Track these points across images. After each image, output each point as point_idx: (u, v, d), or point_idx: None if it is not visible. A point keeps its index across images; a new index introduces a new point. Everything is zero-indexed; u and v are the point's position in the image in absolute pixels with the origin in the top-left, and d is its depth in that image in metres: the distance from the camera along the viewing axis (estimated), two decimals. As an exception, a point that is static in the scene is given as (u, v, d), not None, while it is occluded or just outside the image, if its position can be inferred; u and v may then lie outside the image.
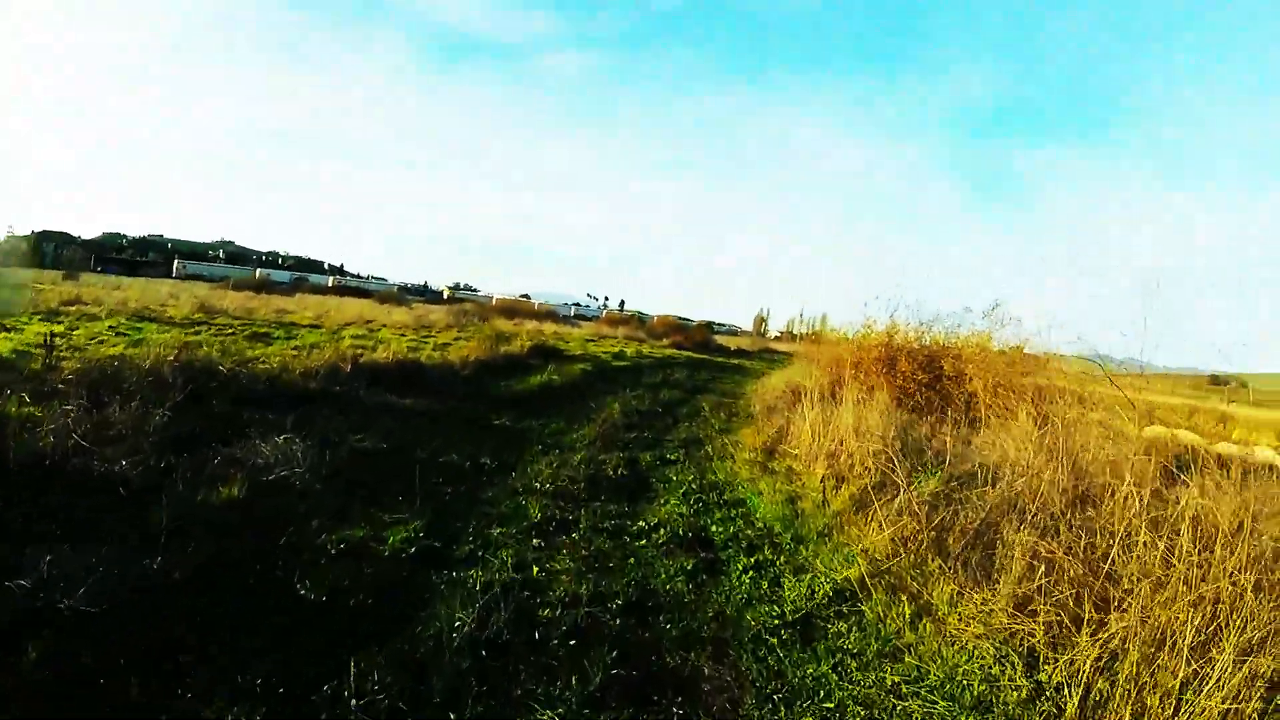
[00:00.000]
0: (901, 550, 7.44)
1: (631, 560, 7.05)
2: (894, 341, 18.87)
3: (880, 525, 7.94)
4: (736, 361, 40.15)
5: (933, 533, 7.49)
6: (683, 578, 6.73)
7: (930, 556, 7.11)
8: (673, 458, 11.87)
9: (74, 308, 24.74)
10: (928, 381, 17.08)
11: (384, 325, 30.50)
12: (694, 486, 9.98)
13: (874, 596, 6.54)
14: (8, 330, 17.12)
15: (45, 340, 12.29)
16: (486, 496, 8.62)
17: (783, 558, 7.48)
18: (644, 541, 7.62)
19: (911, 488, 8.24)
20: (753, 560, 7.32)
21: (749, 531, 8.21)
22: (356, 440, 10.01)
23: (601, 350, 29.54)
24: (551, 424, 13.47)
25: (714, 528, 8.24)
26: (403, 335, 26.06)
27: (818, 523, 8.47)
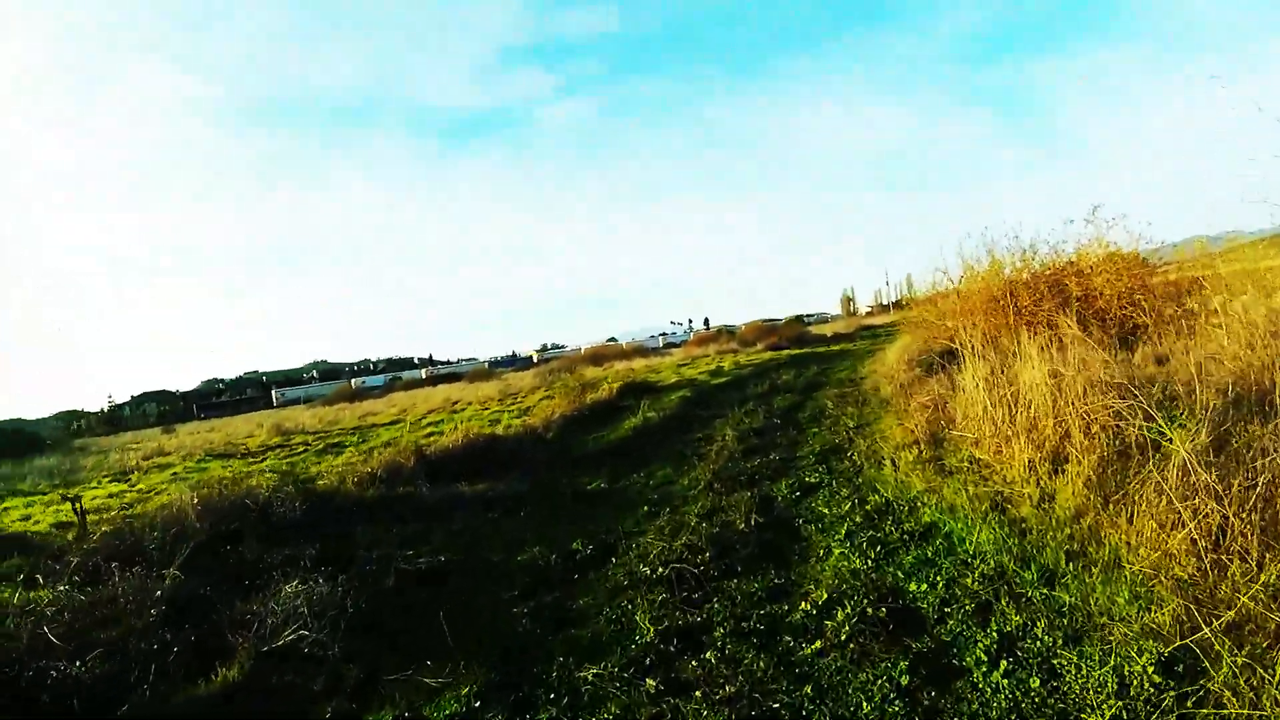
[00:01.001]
0: (1211, 552, 4.66)
1: (806, 687, 4.33)
2: (1005, 276, 16.52)
3: (1158, 519, 5.17)
4: (839, 347, 36.84)
5: (1256, 514, 4.68)
6: (897, 702, 4.04)
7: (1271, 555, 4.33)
8: (813, 480, 9.16)
9: (153, 459, 23.42)
10: (1056, 308, 14.30)
11: (469, 403, 28.50)
12: (857, 519, 7.24)
13: (1222, 664, 3.75)
14: (70, 499, 15.60)
15: (75, 509, 10.66)
16: (576, 608, 6.16)
17: (1040, 620, 4.65)
18: (816, 642, 4.88)
19: (1175, 444, 5.42)
20: (995, 636, 4.54)
21: (967, 579, 5.40)
22: (407, 559, 7.68)
23: (697, 372, 26.75)
24: (657, 472, 10.94)
25: (912, 585, 5.49)
26: (485, 409, 23.98)
27: (1057, 537, 5.69)
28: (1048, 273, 15.99)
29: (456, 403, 29.87)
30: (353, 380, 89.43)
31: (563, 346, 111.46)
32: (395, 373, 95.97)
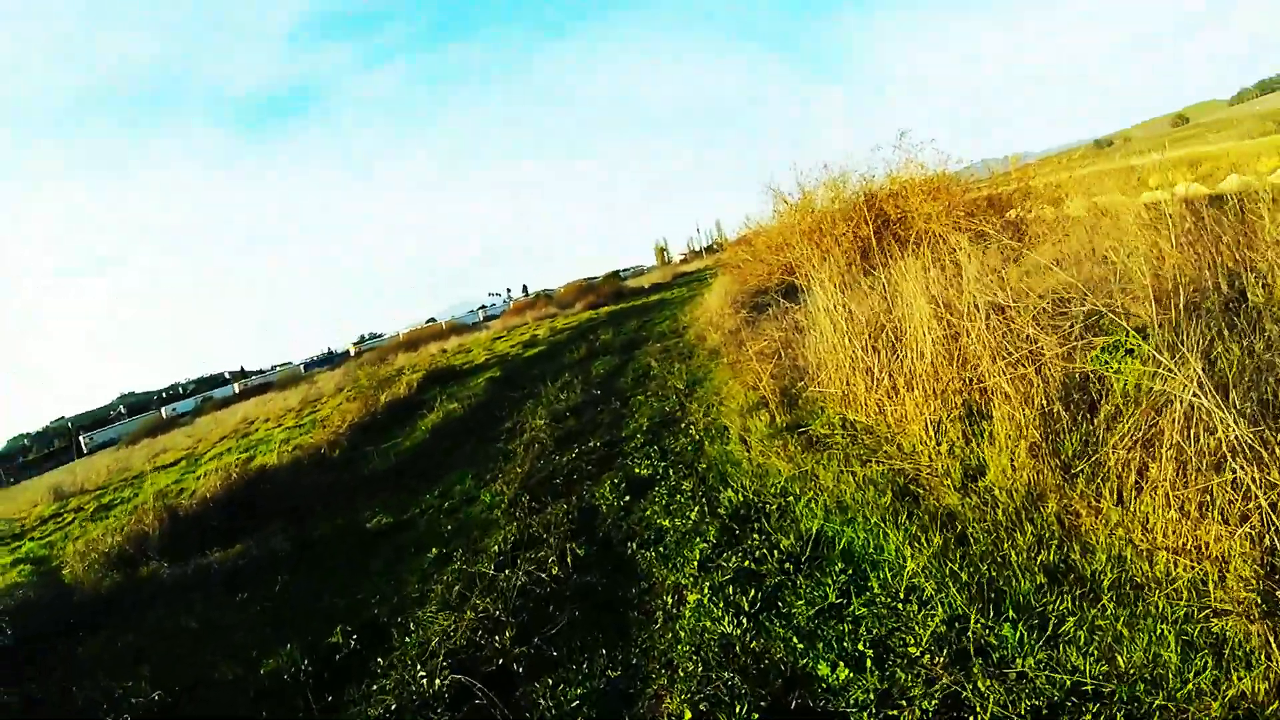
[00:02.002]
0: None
1: None
2: (818, 208, 15.85)
3: (1178, 504, 3.29)
4: (657, 297, 35.02)
5: None
6: None
7: None
8: (645, 472, 7.02)
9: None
10: (875, 234, 13.75)
11: (265, 421, 24.77)
12: (711, 535, 5.07)
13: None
14: None
15: None
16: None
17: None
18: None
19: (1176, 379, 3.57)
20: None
21: (909, 646, 3.28)
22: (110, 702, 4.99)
23: (510, 345, 24.02)
24: (455, 487, 8.51)
25: (823, 667, 3.35)
26: (280, 425, 20.60)
27: (1018, 543, 3.69)
28: (861, 200, 14.92)
29: (253, 422, 26.04)
30: (163, 409, 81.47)
31: (381, 335, 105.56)
32: (207, 392, 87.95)
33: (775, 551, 4.53)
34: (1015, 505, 3.94)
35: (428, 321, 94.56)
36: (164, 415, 69.95)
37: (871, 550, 4.15)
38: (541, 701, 3.77)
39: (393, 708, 4.12)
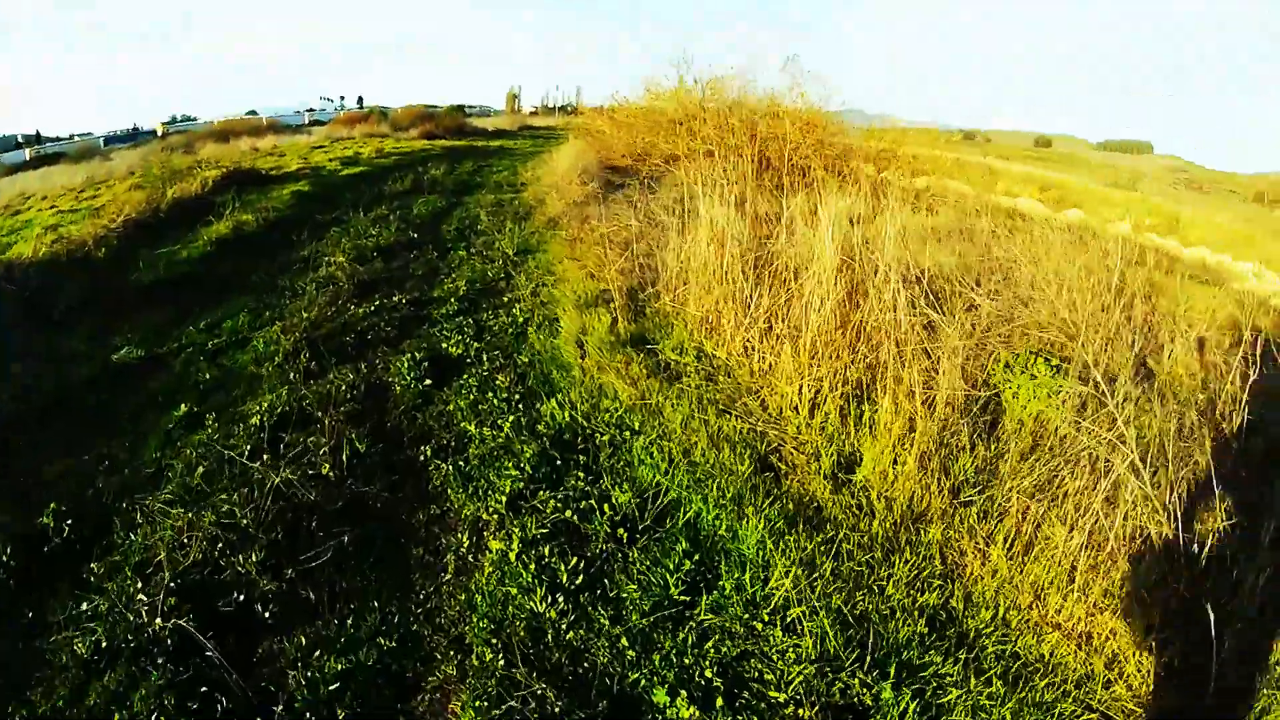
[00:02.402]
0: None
1: None
2: (694, 98, 15.59)
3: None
4: (499, 144, 32.71)
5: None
6: None
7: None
8: (455, 350, 6.02)
9: None
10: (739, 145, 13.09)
11: (43, 198, 21.18)
12: (527, 462, 4.12)
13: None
14: None
15: None
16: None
17: None
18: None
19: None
20: None
21: (770, 679, 2.59)
22: None
23: (329, 158, 21.45)
24: (226, 321, 7.13)
25: (660, 692, 2.59)
26: (53, 208, 17.55)
27: (902, 569, 3.05)
28: (741, 108, 14.65)
29: (28, 198, 22.26)
30: None
31: (194, 119, 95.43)
32: (-10, 151, 76.59)
33: (606, 506, 3.69)
34: (894, 519, 3.25)
35: (248, 113, 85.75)
36: None
37: (724, 533, 3.38)
38: (292, 673, 2.84)
39: (102, 645, 3.06)
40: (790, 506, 3.56)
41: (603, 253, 7.71)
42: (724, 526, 3.46)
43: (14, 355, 6.71)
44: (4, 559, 3.70)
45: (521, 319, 6.60)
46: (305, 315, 6.85)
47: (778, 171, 12.84)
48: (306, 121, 72.69)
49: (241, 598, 3.28)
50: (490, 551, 3.44)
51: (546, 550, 3.35)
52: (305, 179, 16.27)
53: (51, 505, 4.07)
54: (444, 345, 6.08)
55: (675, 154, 14.36)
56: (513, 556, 3.34)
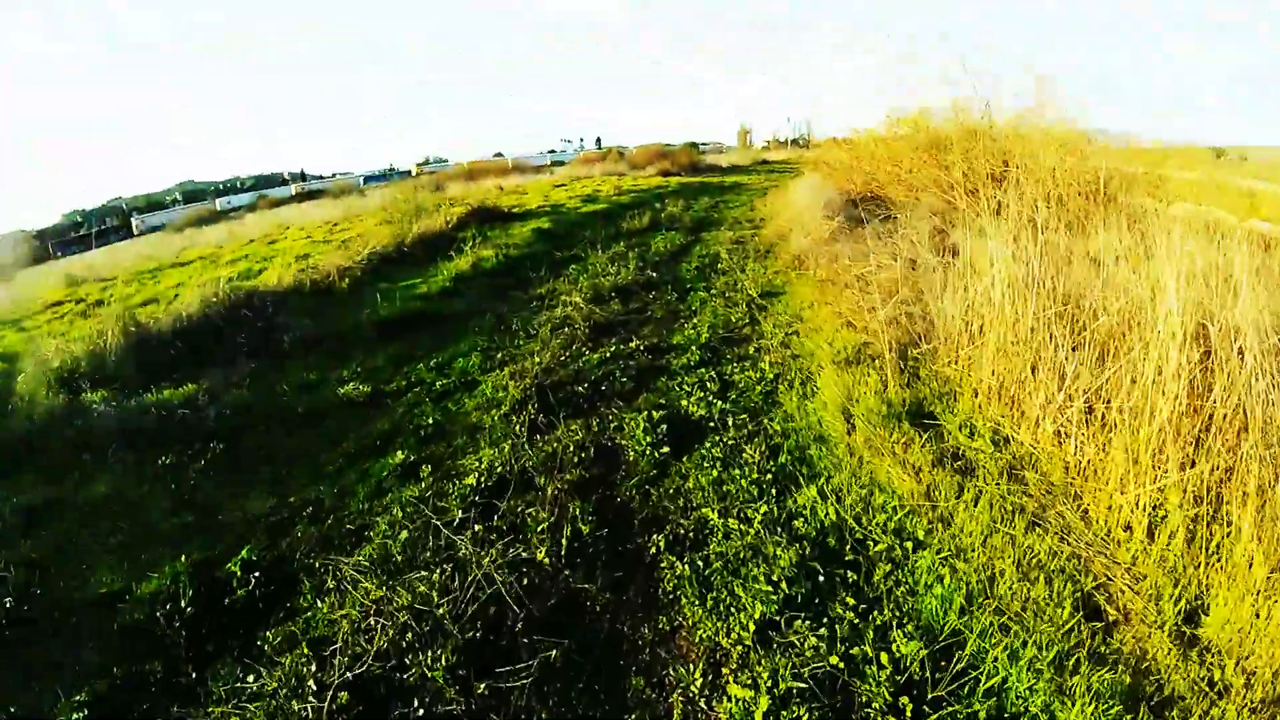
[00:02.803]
0: None
1: None
2: (933, 127, 13.72)
3: None
4: (734, 179, 32.36)
5: None
6: None
7: None
8: (697, 410, 5.21)
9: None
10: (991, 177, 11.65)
11: (301, 229, 22.92)
12: (781, 573, 3.19)
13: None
14: None
15: None
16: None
17: None
18: None
19: None
20: None
21: None
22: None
23: (569, 196, 21.72)
24: (457, 361, 6.81)
25: None
26: (309, 238, 18.77)
27: None
28: (986, 131, 12.82)
29: (287, 228, 24.29)
30: (217, 200, 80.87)
31: (446, 161, 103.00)
32: (264, 190, 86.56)
33: (884, 655, 2.68)
34: (1254, 701, 2.08)
35: (495, 155, 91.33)
36: (217, 207, 69.09)
37: (1039, 711, 2.31)
38: None
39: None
40: (1126, 678, 2.45)
41: (858, 297, 6.70)
42: (1038, 701, 2.39)
43: (237, 383, 6.68)
44: (181, 606, 3.35)
45: (771, 374, 5.72)
46: (537, 360, 6.34)
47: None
48: (549, 162, 76.44)
49: (421, 711, 2.63)
50: (730, 700, 2.55)
51: (805, 717, 2.42)
52: (545, 216, 16.35)
53: (243, 553, 3.70)
54: (684, 403, 5.30)
55: (923, 185, 13.16)
56: (759, 717, 2.43)
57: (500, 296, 9.14)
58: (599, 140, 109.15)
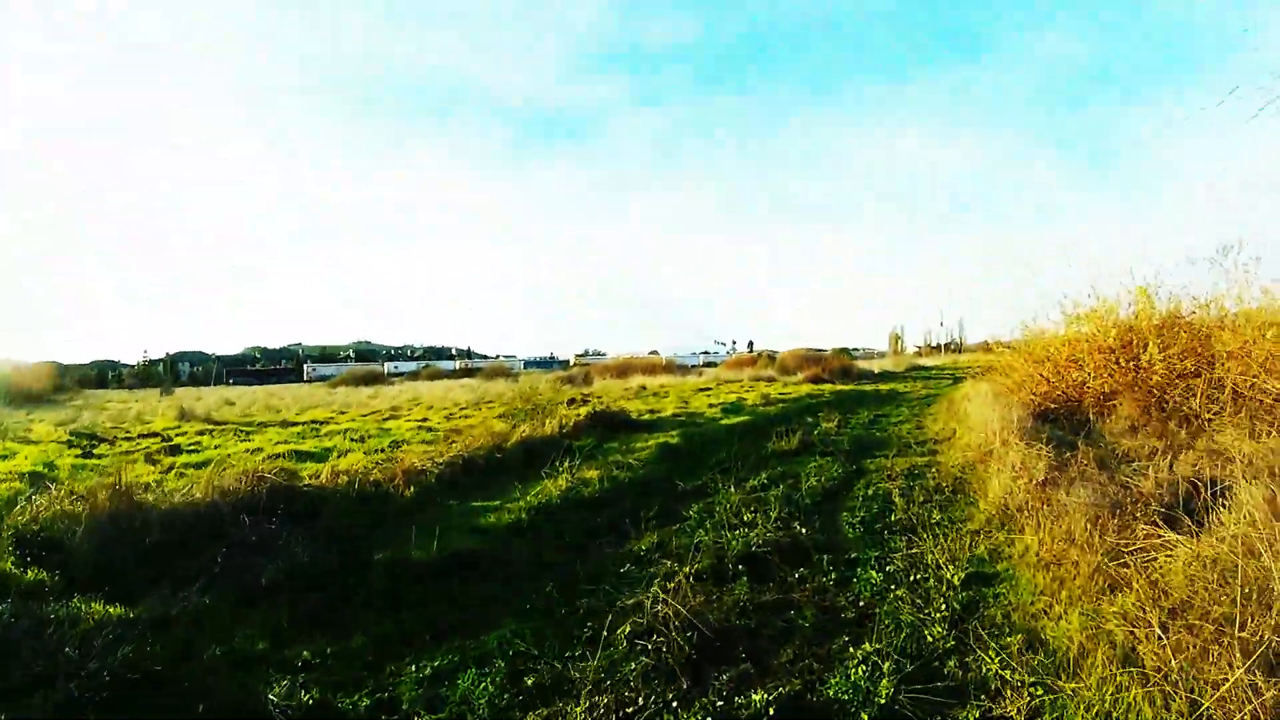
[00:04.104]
0: None
1: None
2: (1122, 319, 12.09)
3: None
4: (889, 387, 29.25)
5: None
6: None
7: None
8: None
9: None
10: (1190, 374, 10.38)
11: (429, 408, 21.55)
12: None
13: None
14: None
15: None
16: None
17: None
18: None
19: None
20: None
21: None
22: None
23: (709, 403, 19.33)
24: (456, 678, 4.08)
25: None
26: (421, 423, 17.10)
27: None
28: (1187, 321, 11.24)
29: (416, 404, 23.10)
30: (386, 364, 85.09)
31: (603, 354, 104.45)
32: (431, 360, 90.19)
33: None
34: None
35: (650, 353, 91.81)
36: (385, 370, 72.89)
37: None
38: None
39: None
40: None
41: (1142, 603, 3.72)
42: None
43: (176, 618, 4.39)
44: None
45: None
46: (605, 700, 3.59)
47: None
48: (701, 363, 75.50)
49: None
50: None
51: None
52: (678, 428, 13.86)
53: None
54: None
55: (1113, 388, 11.51)
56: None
57: (583, 548, 6.46)
58: (750, 344, 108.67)
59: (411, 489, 8.26)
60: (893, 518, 7.24)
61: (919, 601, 4.95)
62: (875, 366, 49.96)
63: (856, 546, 6.34)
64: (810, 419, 15.64)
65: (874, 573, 5.59)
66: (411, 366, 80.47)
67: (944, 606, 4.80)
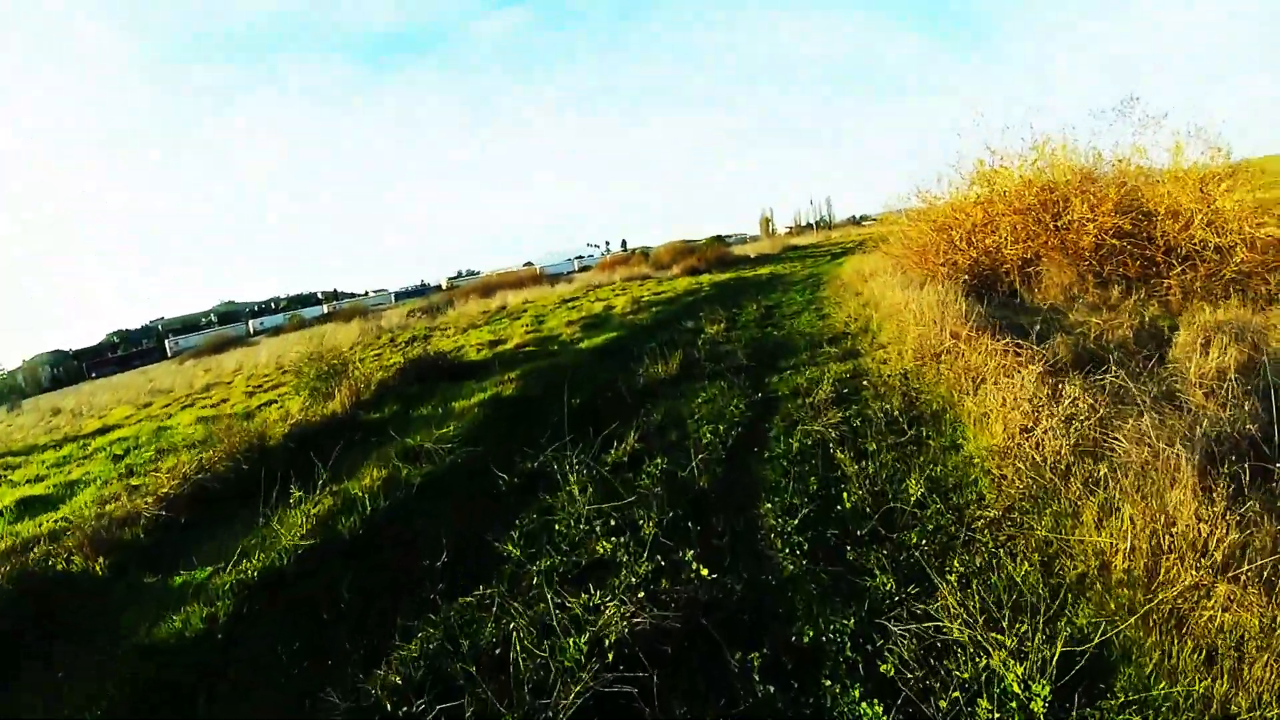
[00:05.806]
0: None
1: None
2: (1045, 177, 10.88)
3: None
4: (768, 270, 26.34)
5: None
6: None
7: None
8: None
9: None
10: (1125, 234, 9.57)
11: (249, 376, 17.43)
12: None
13: None
14: None
15: None
16: None
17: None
18: None
19: None
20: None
21: None
22: None
23: (568, 321, 15.63)
24: None
25: None
26: (214, 401, 13.11)
27: None
28: (1111, 176, 10.37)
29: (236, 374, 18.98)
30: (251, 323, 78.32)
31: (476, 272, 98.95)
32: (298, 310, 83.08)
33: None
34: None
35: (524, 265, 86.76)
36: (250, 329, 66.54)
37: None
38: None
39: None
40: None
41: None
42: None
43: None
44: None
45: None
46: None
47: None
48: (576, 269, 71.50)
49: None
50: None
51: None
52: (523, 363, 10.28)
53: None
54: None
55: (1035, 255, 10.48)
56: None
57: (307, 674, 3.13)
58: (624, 243, 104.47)
59: (105, 560, 4.69)
60: (848, 502, 4.11)
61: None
62: (751, 251, 47.38)
63: (808, 606, 3.13)
64: (691, 323, 12.44)
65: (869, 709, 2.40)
66: (279, 319, 74.00)
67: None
